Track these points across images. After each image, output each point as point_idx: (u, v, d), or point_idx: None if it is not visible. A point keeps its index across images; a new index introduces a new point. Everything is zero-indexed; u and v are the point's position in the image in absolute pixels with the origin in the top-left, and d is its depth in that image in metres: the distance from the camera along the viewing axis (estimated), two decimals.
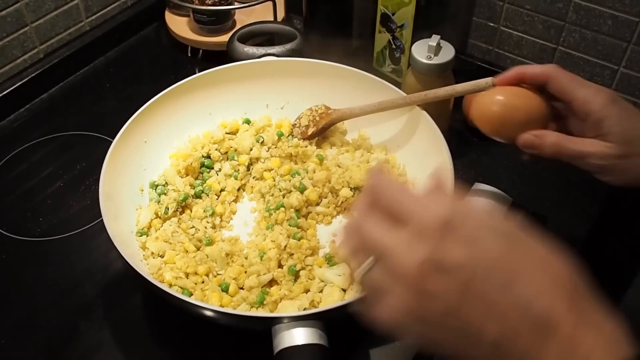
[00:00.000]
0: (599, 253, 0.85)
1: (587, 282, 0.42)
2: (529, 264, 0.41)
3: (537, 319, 0.39)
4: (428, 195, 0.44)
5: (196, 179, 0.87)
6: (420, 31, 0.95)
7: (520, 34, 1.05)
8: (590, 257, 0.83)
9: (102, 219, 0.72)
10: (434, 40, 0.86)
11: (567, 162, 0.68)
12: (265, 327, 0.64)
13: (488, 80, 0.73)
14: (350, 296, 0.72)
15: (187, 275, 0.75)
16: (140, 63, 1.18)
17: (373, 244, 0.44)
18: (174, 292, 0.65)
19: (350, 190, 0.84)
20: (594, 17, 0.96)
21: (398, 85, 0.88)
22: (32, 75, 1.07)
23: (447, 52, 0.87)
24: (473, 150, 0.98)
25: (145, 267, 0.74)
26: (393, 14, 0.97)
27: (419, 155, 0.85)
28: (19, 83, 1.05)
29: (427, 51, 0.87)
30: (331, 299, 0.71)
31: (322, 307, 0.70)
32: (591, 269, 0.83)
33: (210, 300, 0.71)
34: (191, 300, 0.65)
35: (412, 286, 0.41)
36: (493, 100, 0.71)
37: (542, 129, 0.69)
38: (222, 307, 0.70)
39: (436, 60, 0.86)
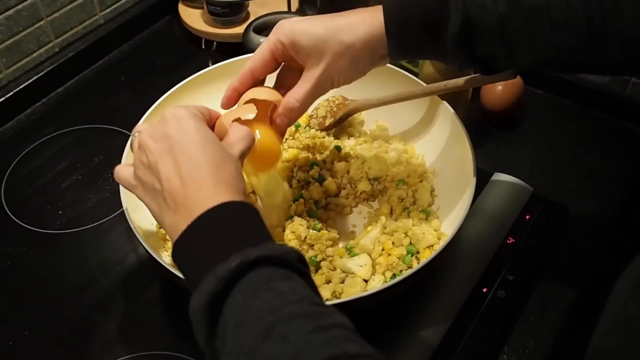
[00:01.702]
0: (621, 243, 0.84)
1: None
2: (210, 158, 0.55)
3: (195, 183, 0.53)
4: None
5: None
6: None
7: None
8: (612, 247, 0.83)
9: (119, 212, 0.72)
10: None
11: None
12: None
13: (508, 70, 0.72)
14: (373, 287, 0.71)
15: None
16: (154, 56, 1.18)
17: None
18: None
19: (369, 182, 0.83)
20: None
21: (415, 74, 0.87)
22: (48, 69, 1.07)
23: None
24: (491, 139, 0.97)
25: (166, 259, 0.74)
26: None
27: (438, 146, 0.84)
28: (35, 77, 1.05)
29: None
30: (353, 290, 0.71)
31: (345, 298, 0.69)
32: (614, 259, 0.83)
33: None
34: None
35: (139, 145, 0.58)
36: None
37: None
38: None
39: None
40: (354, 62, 0.67)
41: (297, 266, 0.48)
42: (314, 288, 0.49)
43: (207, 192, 0.53)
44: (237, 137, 0.61)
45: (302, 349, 0.41)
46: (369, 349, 0.42)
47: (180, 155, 0.55)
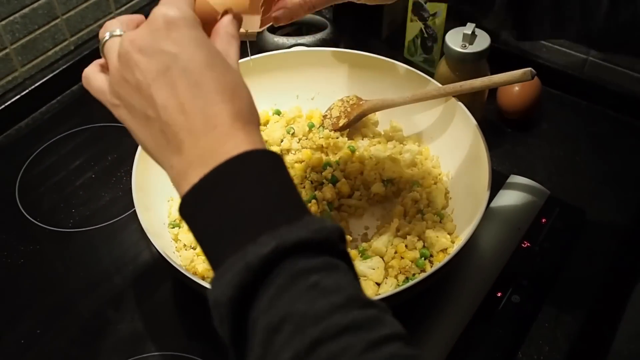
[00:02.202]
0: (638, 247, 0.83)
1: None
2: (221, 82, 0.45)
3: (205, 117, 0.44)
4: None
5: None
6: (453, 20, 0.93)
7: None
8: (630, 251, 0.82)
9: (132, 211, 0.72)
10: (469, 28, 0.85)
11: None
12: None
13: (526, 70, 0.71)
14: (385, 290, 0.71)
15: None
16: None
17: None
18: (208, 284, 0.64)
19: (383, 184, 0.82)
20: None
21: (430, 75, 0.86)
22: (63, 67, 1.07)
23: (483, 41, 0.86)
24: (508, 140, 0.96)
25: (178, 259, 0.74)
26: (425, 2, 0.96)
27: (453, 147, 0.83)
28: (50, 75, 1.05)
29: (462, 40, 0.85)
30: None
31: None
32: (631, 264, 0.81)
33: None
34: None
35: (120, 58, 0.46)
36: None
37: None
38: None
39: (471, 49, 0.85)
40: None
41: (339, 248, 0.41)
42: (355, 274, 0.41)
43: (222, 132, 0.43)
44: (228, 38, 0.50)
45: None
46: None
47: (181, 79, 0.44)
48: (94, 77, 0.51)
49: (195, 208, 0.43)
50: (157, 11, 0.46)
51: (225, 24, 0.51)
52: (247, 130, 0.44)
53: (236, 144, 0.43)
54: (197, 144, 0.43)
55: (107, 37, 0.49)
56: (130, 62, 0.45)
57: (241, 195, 0.41)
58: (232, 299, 0.38)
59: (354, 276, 0.41)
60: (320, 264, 0.39)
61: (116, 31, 0.49)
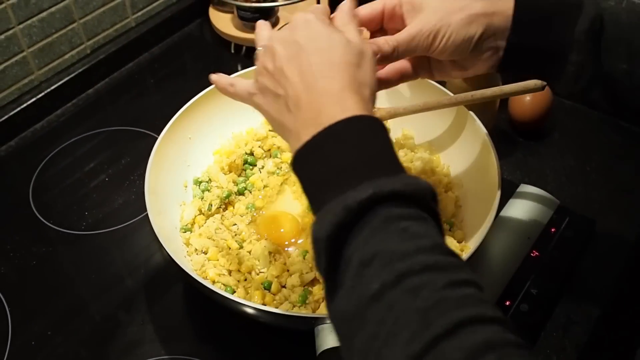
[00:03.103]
0: None
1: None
2: (336, 60, 0.52)
3: (319, 88, 0.51)
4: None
5: (239, 176, 0.87)
6: None
7: None
8: (639, 261, 0.82)
9: (145, 214, 0.72)
10: None
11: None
12: (309, 327, 0.64)
13: (537, 81, 0.71)
14: None
15: (229, 272, 0.75)
16: (184, 59, 1.19)
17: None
18: (218, 289, 0.65)
19: None
20: None
21: (442, 84, 0.87)
22: (79, 70, 1.08)
23: None
24: (519, 150, 0.96)
25: (189, 264, 0.75)
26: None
27: (464, 156, 0.83)
28: (67, 78, 1.07)
29: None
30: None
31: None
32: None
33: (252, 298, 0.71)
34: (234, 297, 0.65)
35: (265, 48, 0.56)
36: None
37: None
38: (265, 305, 0.70)
39: None
40: (467, 21, 0.61)
41: (430, 205, 0.45)
42: (441, 230, 0.46)
43: (332, 99, 0.50)
44: (348, 17, 0.58)
45: (435, 306, 0.38)
46: (501, 314, 0.40)
47: (306, 61, 0.52)
48: (239, 80, 0.62)
49: (305, 162, 0.49)
50: (299, 15, 0.56)
51: (344, 6, 0.60)
52: (356, 99, 0.50)
53: (343, 109, 0.49)
54: (309, 108, 0.50)
55: (260, 50, 0.58)
56: (271, 52, 0.55)
57: (344, 152, 0.47)
58: (330, 236, 0.43)
59: (440, 230, 0.45)
60: (411, 213, 0.43)
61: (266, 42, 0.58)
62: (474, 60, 0.64)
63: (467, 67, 0.65)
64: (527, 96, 0.94)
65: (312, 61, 0.52)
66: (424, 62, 0.68)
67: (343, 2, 0.60)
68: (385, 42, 0.61)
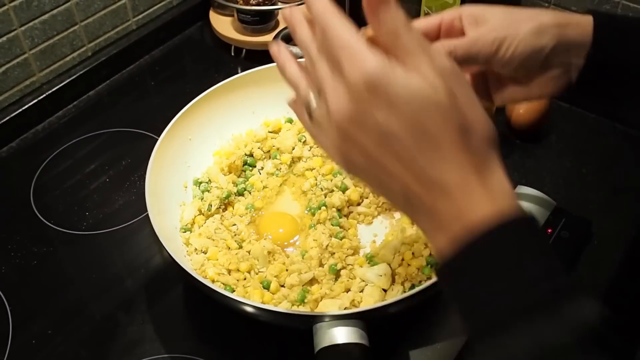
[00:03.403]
0: None
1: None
2: (443, 133, 0.41)
3: (435, 182, 0.41)
4: (363, 44, 0.43)
5: (239, 177, 0.88)
6: None
7: None
8: (635, 264, 0.83)
9: (145, 215, 0.73)
10: None
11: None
12: (307, 325, 0.65)
13: None
14: (391, 297, 0.72)
15: (229, 271, 0.75)
16: (184, 62, 1.20)
17: (316, 79, 0.47)
18: (217, 287, 0.66)
19: None
20: None
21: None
22: (80, 72, 1.09)
23: None
24: (516, 152, 0.97)
25: (189, 263, 0.75)
26: None
27: None
28: (68, 80, 1.07)
29: None
30: (372, 299, 0.71)
31: (363, 307, 0.70)
32: (637, 276, 0.82)
33: (251, 297, 0.72)
34: (234, 296, 0.66)
35: (338, 131, 0.43)
36: None
37: None
38: (264, 304, 0.71)
39: None
40: (537, 30, 0.54)
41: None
42: None
43: (457, 195, 0.41)
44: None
45: None
46: None
47: (399, 144, 0.41)
48: (328, 144, 0.47)
49: (455, 278, 0.42)
50: (353, 74, 0.41)
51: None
52: (484, 179, 0.41)
53: (479, 206, 0.40)
54: (436, 210, 0.41)
55: (313, 105, 0.48)
56: (348, 136, 0.43)
57: (495, 275, 0.40)
58: None
59: None
60: None
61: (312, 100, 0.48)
62: (541, 78, 0.57)
63: (532, 88, 0.58)
64: None
65: (406, 145, 0.41)
66: (481, 82, 0.61)
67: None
68: (441, 45, 0.54)
